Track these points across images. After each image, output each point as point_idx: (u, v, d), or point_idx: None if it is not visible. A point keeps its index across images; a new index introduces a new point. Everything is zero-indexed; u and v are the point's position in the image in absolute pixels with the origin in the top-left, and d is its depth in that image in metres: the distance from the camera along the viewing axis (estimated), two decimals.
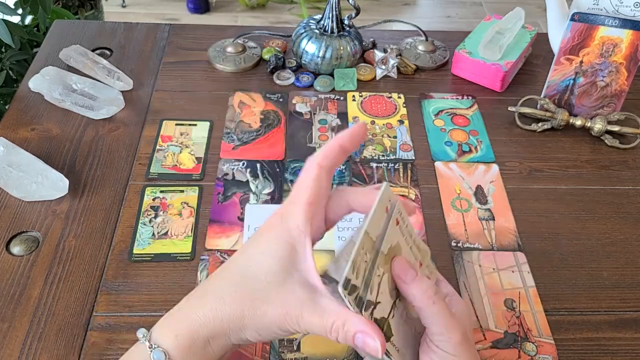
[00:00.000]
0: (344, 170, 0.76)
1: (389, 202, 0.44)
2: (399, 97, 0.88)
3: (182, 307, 0.43)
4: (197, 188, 0.73)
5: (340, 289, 0.38)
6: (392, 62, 0.90)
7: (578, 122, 0.82)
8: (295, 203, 0.43)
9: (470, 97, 0.88)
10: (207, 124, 0.82)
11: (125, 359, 0.43)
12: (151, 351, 0.41)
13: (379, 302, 0.42)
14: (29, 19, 1.29)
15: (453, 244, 0.68)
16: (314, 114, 0.84)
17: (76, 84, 0.83)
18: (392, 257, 0.43)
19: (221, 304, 0.41)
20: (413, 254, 0.46)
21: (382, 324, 0.42)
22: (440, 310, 0.42)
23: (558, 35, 0.86)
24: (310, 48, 0.88)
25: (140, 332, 0.42)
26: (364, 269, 0.40)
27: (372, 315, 0.41)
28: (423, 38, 0.96)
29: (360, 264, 0.40)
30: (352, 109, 0.85)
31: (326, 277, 0.42)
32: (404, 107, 0.86)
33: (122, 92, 0.84)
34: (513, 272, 0.65)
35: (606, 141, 0.81)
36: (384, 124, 0.83)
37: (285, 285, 0.41)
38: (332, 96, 0.87)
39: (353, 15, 0.88)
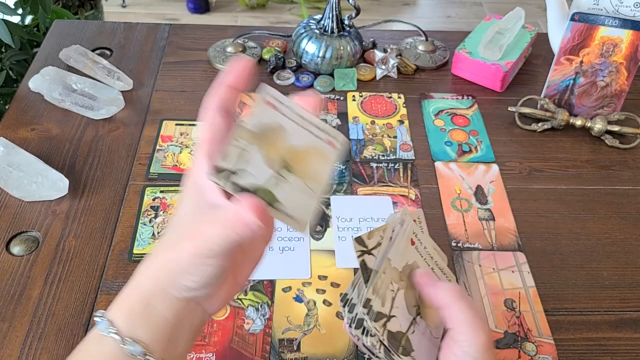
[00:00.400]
0: (344, 170, 0.76)
1: (400, 225, 0.47)
2: (399, 97, 0.88)
3: (135, 278, 0.42)
4: None
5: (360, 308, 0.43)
6: (392, 62, 0.90)
7: (578, 122, 0.82)
8: (197, 150, 0.42)
9: (470, 97, 0.88)
10: None
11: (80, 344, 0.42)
12: (98, 321, 0.40)
13: (394, 316, 0.44)
14: (29, 19, 1.29)
15: (453, 244, 0.68)
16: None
17: (76, 84, 0.83)
18: (269, 135, 0.42)
19: (150, 260, 0.40)
20: (435, 274, 0.49)
21: (399, 337, 0.44)
22: (466, 308, 0.42)
23: (558, 35, 0.86)
24: (310, 48, 0.88)
25: (98, 313, 0.41)
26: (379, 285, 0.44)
27: (386, 328, 0.43)
28: (423, 38, 0.96)
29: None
30: (352, 109, 0.85)
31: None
32: (404, 107, 0.86)
33: (122, 92, 0.84)
34: (513, 272, 0.65)
35: (606, 141, 0.81)
36: (384, 124, 0.83)
37: (198, 215, 0.39)
38: (332, 96, 0.87)
39: (353, 15, 0.88)
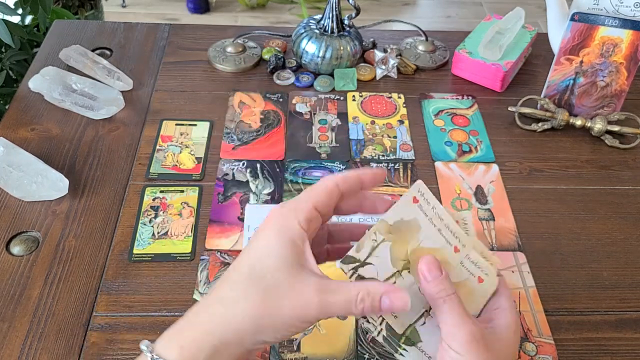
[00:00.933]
0: (344, 171, 0.76)
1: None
2: (399, 97, 0.88)
3: (188, 317, 0.42)
4: (197, 188, 0.73)
5: (339, 264, 0.42)
6: (392, 62, 0.90)
7: (578, 122, 0.82)
8: (300, 202, 0.43)
9: (470, 97, 0.88)
10: (207, 124, 0.82)
11: None
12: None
13: (369, 263, 0.44)
14: (29, 19, 1.29)
15: None
16: (314, 114, 0.84)
17: (76, 84, 0.83)
18: (405, 232, 0.44)
19: (230, 308, 0.40)
20: (444, 237, 0.46)
21: (404, 327, 0.44)
22: (450, 309, 0.43)
23: (558, 35, 0.86)
24: (310, 48, 0.88)
25: (144, 344, 0.41)
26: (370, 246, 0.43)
27: (357, 272, 0.44)
28: (423, 38, 0.96)
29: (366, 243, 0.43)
30: (352, 109, 0.85)
31: None
32: (404, 107, 0.86)
33: (122, 92, 0.84)
34: (513, 272, 0.65)
35: (606, 141, 0.81)
36: (384, 124, 0.83)
37: (296, 277, 0.40)
38: (332, 96, 0.87)
39: (353, 15, 0.88)
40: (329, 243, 0.49)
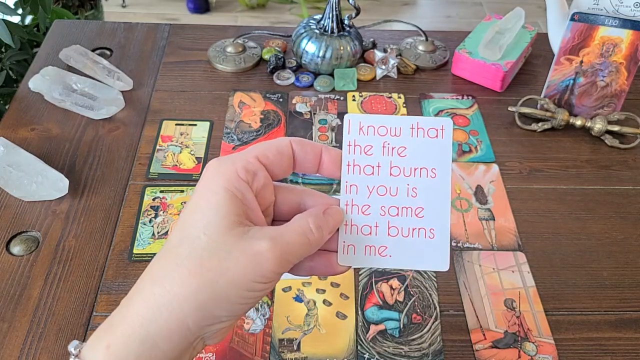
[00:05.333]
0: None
1: None
2: (399, 97, 0.88)
3: (121, 307, 0.35)
4: None
5: None
6: (392, 62, 0.90)
7: (578, 122, 0.82)
8: (241, 153, 0.36)
9: (470, 97, 0.88)
10: (207, 124, 0.82)
11: None
12: None
13: None
14: (29, 19, 1.29)
15: (453, 243, 0.68)
16: (314, 114, 0.84)
17: (76, 84, 0.83)
18: None
19: (164, 288, 0.33)
20: None
21: None
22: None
23: (558, 35, 0.86)
24: (310, 48, 0.88)
25: (72, 345, 0.34)
26: None
27: None
28: (423, 38, 0.96)
29: None
30: (352, 109, 0.85)
31: None
32: (404, 107, 0.86)
33: (122, 92, 0.84)
34: (513, 272, 0.65)
35: (606, 141, 0.81)
36: None
37: (237, 231, 0.33)
38: (332, 96, 0.87)
39: (353, 15, 0.88)
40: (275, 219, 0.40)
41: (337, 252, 0.39)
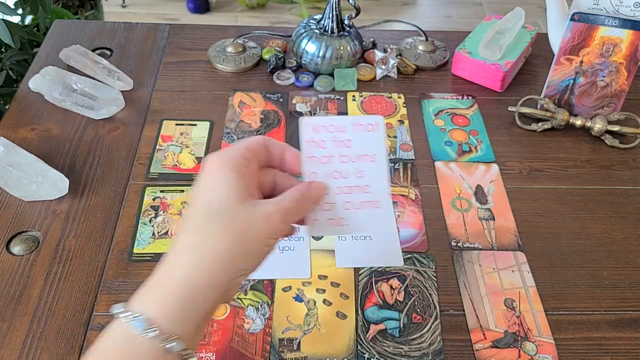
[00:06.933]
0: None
1: None
2: (399, 97, 0.88)
3: (157, 274, 0.41)
4: None
5: None
6: (392, 62, 0.90)
7: (578, 122, 0.82)
8: (232, 146, 0.45)
9: (470, 97, 0.88)
10: (207, 124, 0.82)
11: (100, 343, 0.39)
12: (131, 321, 0.38)
13: None
14: (29, 19, 1.29)
15: (453, 243, 0.68)
16: (314, 113, 0.84)
17: (76, 84, 0.83)
18: None
19: (198, 253, 0.40)
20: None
21: None
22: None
23: (558, 35, 0.86)
24: (310, 48, 0.88)
25: (116, 308, 0.39)
26: None
27: None
28: (423, 38, 0.96)
29: None
30: (352, 109, 0.85)
31: None
32: (404, 107, 0.86)
33: (122, 92, 0.84)
34: (513, 271, 0.65)
35: (606, 141, 0.81)
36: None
37: (250, 200, 0.42)
38: (332, 96, 0.87)
39: (353, 15, 0.89)
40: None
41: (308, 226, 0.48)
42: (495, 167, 0.77)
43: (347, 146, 0.48)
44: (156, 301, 0.39)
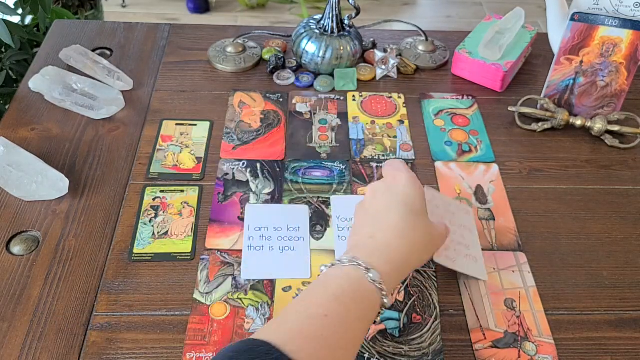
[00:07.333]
0: (344, 170, 0.76)
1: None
2: (399, 97, 0.88)
3: (380, 245, 0.53)
4: (197, 188, 0.73)
5: None
6: (392, 62, 0.91)
7: (578, 122, 0.82)
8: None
9: (470, 97, 0.88)
10: (207, 124, 0.82)
11: (339, 278, 0.50)
12: (368, 271, 0.49)
13: None
14: (29, 19, 1.29)
15: None
16: (314, 113, 0.84)
17: (76, 84, 0.83)
18: None
19: (411, 242, 0.54)
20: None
21: None
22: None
23: (558, 35, 0.86)
24: (310, 48, 0.88)
25: (346, 258, 0.51)
26: None
27: None
28: (423, 38, 0.96)
29: None
30: (352, 109, 0.85)
31: None
32: (404, 107, 0.86)
33: (122, 92, 0.84)
34: (513, 272, 0.65)
35: (606, 141, 0.81)
36: (384, 124, 0.83)
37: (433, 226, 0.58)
38: (332, 96, 0.87)
39: (353, 15, 0.89)
40: None
41: None
42: (495, 167, 0.77)
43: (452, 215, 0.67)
44: (385, 262, 0.51)
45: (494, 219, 0.71)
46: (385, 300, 0.50)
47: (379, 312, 0.51)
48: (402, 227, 0.54)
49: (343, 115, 0.84)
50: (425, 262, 0.60)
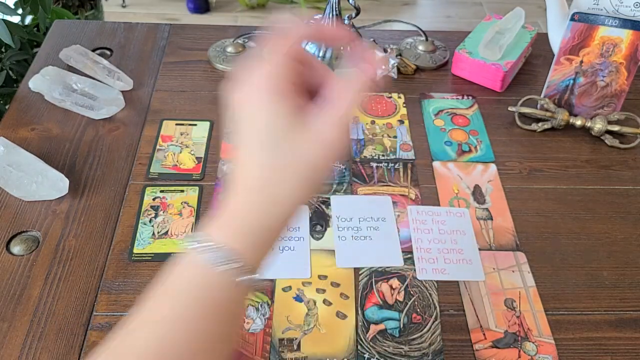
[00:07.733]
0: (344, 170, 0.76)
1: None
2: (399, 97, 0.88)
3: (227, 205, 0.39)
4: (197, 188, 0.73)
5: None
6: (392, 62, 0.90)
7: (578, 122, 0.82)
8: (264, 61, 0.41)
9: (470, 97, 0.88)
10: (207, 123, 0.82)
11: (175, 276, 0.37)
12: (216, 250, 0.36)
13: None
14: (29, 19, 1.29)
15: None
16: None
17: (76, 84, 0.83)
18: None
19: (256, 179, 0.38)
20: None
21: None
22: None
23: (558, 35, 0.86)
24: (310, 48, 0.88)
25: (193, 238, 0.37)
26: None
27: None
28: (423, 38, 0.96)
29: None
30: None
31: None
32: (404, 107, 0.86)
33: (122, 92, 0.84)
34: (513, 271, 0.65)
35: (606, 141, 0.81)
36: (384, 124, 0.83)
37: (298, 125, 0.39)
38: None
39: (353, 15, 0.89)
40: None
41: None
42: (493, 167, 0.77)
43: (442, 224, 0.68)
44: (234, 230, 0.37)
45: (492, 219, 0.71)
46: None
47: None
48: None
49: None
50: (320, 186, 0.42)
